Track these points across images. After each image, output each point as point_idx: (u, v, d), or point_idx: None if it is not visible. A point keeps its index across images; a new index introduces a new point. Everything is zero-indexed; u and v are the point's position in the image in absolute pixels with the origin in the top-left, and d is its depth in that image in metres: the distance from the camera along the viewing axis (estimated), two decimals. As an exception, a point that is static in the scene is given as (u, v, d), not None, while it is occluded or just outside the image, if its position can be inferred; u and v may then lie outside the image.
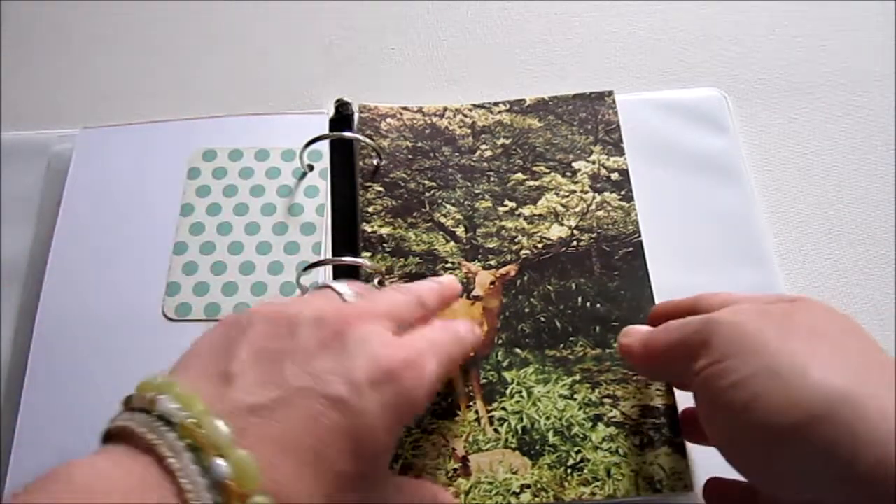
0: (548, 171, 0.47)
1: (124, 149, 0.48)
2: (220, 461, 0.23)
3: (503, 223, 0.46)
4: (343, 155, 0.48)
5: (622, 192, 0.46)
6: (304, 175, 0.47)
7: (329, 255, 0.45)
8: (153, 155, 0.48)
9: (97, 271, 0.44)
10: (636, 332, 0.36)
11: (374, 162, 0.48)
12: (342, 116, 0.50)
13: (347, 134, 0.48)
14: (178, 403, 0.24)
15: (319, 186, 0.47)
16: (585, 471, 0.39)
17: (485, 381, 0.42)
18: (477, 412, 0.41)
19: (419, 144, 0.48)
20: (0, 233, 0.47)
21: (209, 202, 0.46)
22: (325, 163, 0.48)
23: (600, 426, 0.40)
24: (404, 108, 0.50)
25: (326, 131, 0.48)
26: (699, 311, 0.34)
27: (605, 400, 0.40)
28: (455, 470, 0.39)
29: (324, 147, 0.48)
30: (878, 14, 0.56)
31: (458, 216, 0.46)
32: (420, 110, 0.50)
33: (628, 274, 0.44)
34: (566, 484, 0.38)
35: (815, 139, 0.52)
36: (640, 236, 0.45)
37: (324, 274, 0.44)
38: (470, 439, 0.40)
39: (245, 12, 0.58)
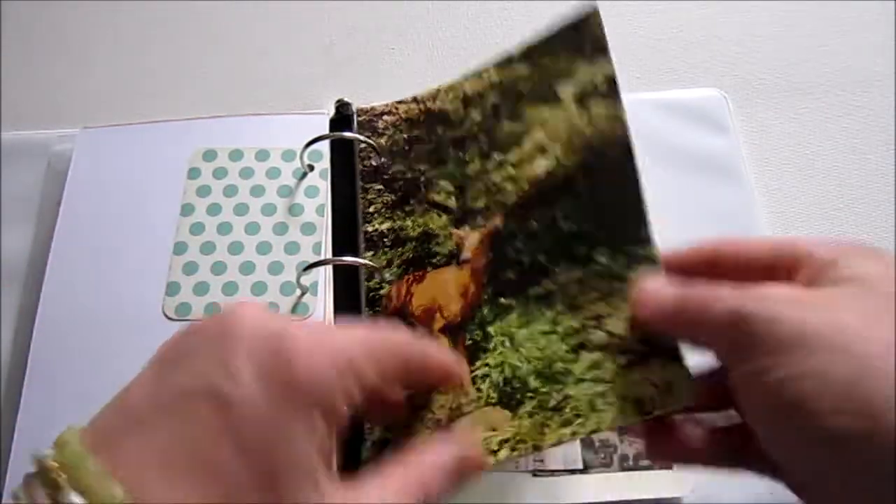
0: (533, 108, 0.43)
1: (124, 149, 0.48)
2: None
3: (492, 178, 0.43)
4: (343, 155, 0.48)
5: (610, 99, 0.40)
6: (304, 175, 0.47)
7: (329, 255, 0.45)
8: (153, 155, 0.48)
9: (97, 271, 0.44)
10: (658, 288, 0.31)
11: (374, 162, 0.48)
12: (342, 116, 0.50)
13: (347, 134, 0.48)
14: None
15: (320, 187, 0.47)
16: (567, 409, 0.34)
17: (470, 342, 0.39)
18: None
19: (415, 133, 0.48)
20: (0, 233, 0.47)
21: (209, 202, 0.46)
22: (325, 163, 0.48)
23: (583, 354, 0.35)
24: (399, 102, 0.50)
25: (326, 131, 0.48)
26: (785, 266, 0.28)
27: (588, 323, 0.36)
28: None
29: (324, 147, 0.48)
30: (878, 14, 0.56)
31: (450, 188, 0.44)
32: (414, 99, 0.49)
33: (615, 178, 0.38)
34: (546, 429, 0.34)
35: (815, 139, 0.52)
36: (629, 136, 0.38)
37: (324, 274, 0.44)
38: (453, 405, 0.37)
39: (245, 12, 0.58)
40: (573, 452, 0.41)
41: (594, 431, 0.33)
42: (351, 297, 0.44)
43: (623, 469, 0.40)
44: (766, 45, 0.55)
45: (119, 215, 0.46)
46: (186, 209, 0.46)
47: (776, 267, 0.29)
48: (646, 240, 0.36)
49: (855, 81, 0.53)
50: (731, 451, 0.31)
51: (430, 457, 0.29)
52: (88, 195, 0.46)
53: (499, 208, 0.42)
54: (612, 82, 0.41)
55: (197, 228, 0.45)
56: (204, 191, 0.46)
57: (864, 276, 0.26)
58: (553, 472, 0.40)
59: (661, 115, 0.50)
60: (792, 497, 0.39)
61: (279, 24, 0.57)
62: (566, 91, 0.42)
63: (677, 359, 0.32)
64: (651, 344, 0.33)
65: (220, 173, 0.47)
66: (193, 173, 0.47)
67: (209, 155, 0.48)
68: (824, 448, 0.23)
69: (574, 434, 0.33)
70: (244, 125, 0.49)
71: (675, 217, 0.47)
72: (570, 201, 0.39)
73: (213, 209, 0.46)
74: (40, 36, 0.57)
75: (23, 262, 0.46)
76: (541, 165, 0.41)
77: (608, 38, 0.54)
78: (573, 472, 0.40)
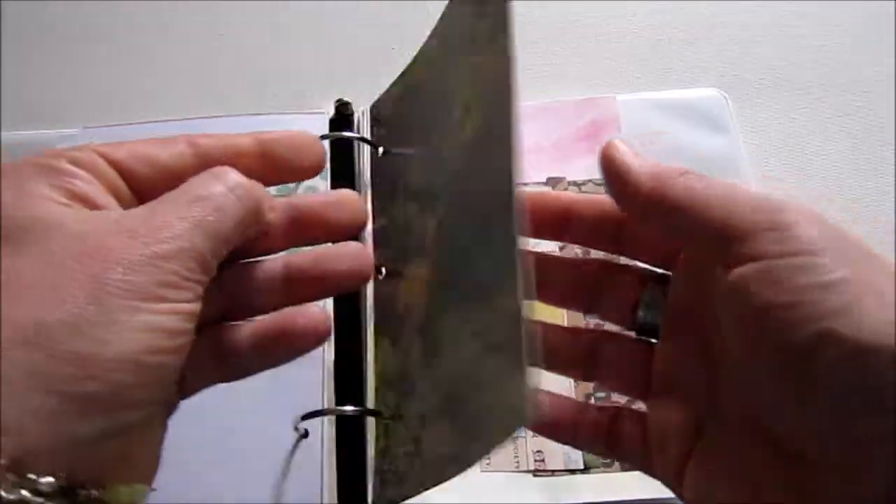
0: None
1: (125, 149, 0.48)
2: None
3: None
4: (343, 155, 0.48)
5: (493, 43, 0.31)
6: (304, 175, 0.47)
7: (330, 256, 0.45)
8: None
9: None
10: (635, 155, 0.26)
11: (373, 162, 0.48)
12: (342, 116, 0.50)
13: (347, 134, 0.48)
14: None
15: (319, 187, 0.47)
16: None
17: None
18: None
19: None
20: (0, 233, 0.47)
21: None
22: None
23: None
24: None
25: (326, 131, 0.48)
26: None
27: None
28: None
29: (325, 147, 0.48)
30: (878, 14, 0.56)
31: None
32: None
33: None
34: None
35: (815, 139, 0.52)
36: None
37: (324, 274, 0.44)
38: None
39: (245, 12, 0.58)
40: (573, 452, 0.41)
41: None
42: (351, 297, 0.44)
43: (623, 469, 0.40)
44: (766, 45, 0.55)
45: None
46: None
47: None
48: None
49: (855, 81, 0.53)
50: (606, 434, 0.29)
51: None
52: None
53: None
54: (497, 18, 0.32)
55: None
56: None
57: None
58: (553, 472, 0.40)
59: (661, 115, 0.50)
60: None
61: (279, 24, 0.57)
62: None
63: None
64: None
65: None
66: None
67: None
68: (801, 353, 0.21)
69: None
70: (244, 125, 0.48)
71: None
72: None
73: None
74: (40, 36, 0.57)
75: (23, 262, 0.46)
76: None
77: (608, 37, 0.53)
78: (573, 472, 0.40)
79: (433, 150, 0.35)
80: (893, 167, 0.50)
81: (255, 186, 0.26)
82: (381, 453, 0.35)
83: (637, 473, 0.40)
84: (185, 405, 0.40)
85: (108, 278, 0.21)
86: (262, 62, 0.55)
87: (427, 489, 0.28)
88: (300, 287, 0.28)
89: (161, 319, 0.22)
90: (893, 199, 0.49)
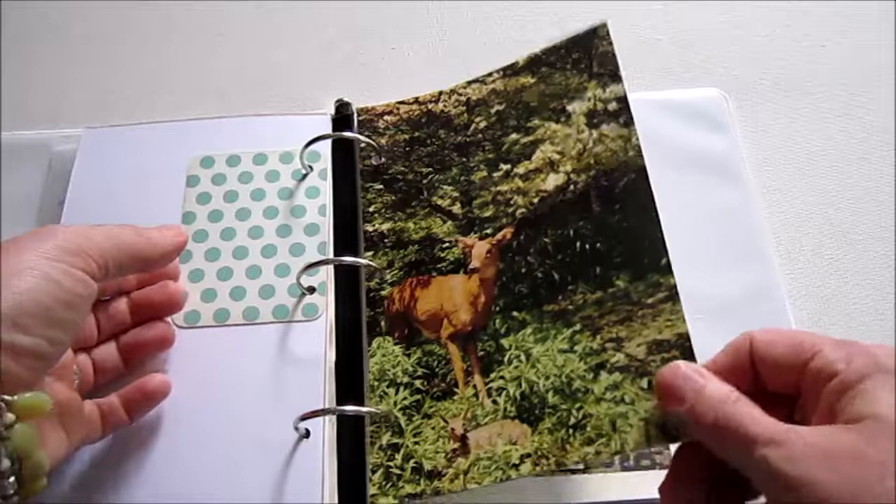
0: (541, 122, 0.44)
1: (127, 149, 0.48)
2: None
3: (498, 188, 0.43)
4: (344, 155, 0.48)
5: (621, 120, 0.41)
6: (304, 176, 0.47)
7: (332, 255, 0.45)
8: (154, 156, 0.48)
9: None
10: (702, 383, 0.30)
11: (374, 161, 0.48)
12: (342, 116, 0.50)
13: (348, 134, 0.48)
14: None
15: (320, 187, 0.47)
16: (588, 428, 0.35)
17: (482, 353, 0.40)
18: (475, 387, 0.39)
19: (416, 134, 0.48)
20: (0, 233, 0.47)
21: (210, 209, 0.46)
22: (323, 163, 0.48)
23: (603, 375, 0.36)
24: (400, 103, 0.50)
25: (326, 132, 0.48)
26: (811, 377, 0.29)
27: (608, 345, 0.37)
28: (454, 450, 0.38)
29: (321, 147, 0.48)
30: (878, 14, 0.56)
31: (455, 194, 0.45)
32: (416, 100, 0.49)
33: (630, 203, 0.39)
34: (568, 446, 0.35)
35: (815, 139, 0.52)
36: (642, 160, 0.40)
37: (326, 274, 0.44)
38: (468, 416, 0.38)
39: (246, 12, 0.58)
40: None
41: (618, 453, 0.34)
42: (351, 296, 0.44)
43: (623, 469, 0.40)
44: (766, 45, 0.55)
45: (123, 216, 0.46)
46: (188, 217, 0.46)
47: (796, 364, 0.30)
48: (665, 269, 0.37)
49: (855, 81, 0.53)
50: None
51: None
52: (92, 195, 0.46)
53: (508, 220, 0.42)
54: (623, 103, 0.42)
55: (200, 236, 0.45)
56: (204, 198, 0.46)
57: (882, 414, 0.27)
58: (553, 472, 0.40)
59: (661, 115, 0.50)
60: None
61: (279, 24, 0.57)
62: (576, 108, 0.43)
63: None
64: None
65: (219, 179, 0.47)
66: (192, 181, 0.47)
67: (207, 162, 0.47)
68: None
69: (598, 454, 0.34)
70: (245, 126, 0.49)
71: (675, 217, 0.47)
72: (585, 221, 0.40)
73: (215, 216, 0.46)
74: (40, 36, 0.57)
75: (24, 262, 0.46)
76: (550, 181, 0.42)
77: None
78: (573, 472, 0.40)
79: (462, 176, 0.44)
80: (893, 167, 0.50)
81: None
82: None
83: (637, 473, 0.41)
84: (186, 405, 0.40)
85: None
86: (262, 62, 0.55)
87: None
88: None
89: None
90: (893, 199, 0.49)
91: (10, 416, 0.30)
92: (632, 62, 0.55)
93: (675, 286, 0.36)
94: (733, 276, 0.45)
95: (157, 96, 0.54)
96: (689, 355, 0.34)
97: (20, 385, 0.30)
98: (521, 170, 0.43)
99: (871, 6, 0.56)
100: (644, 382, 0.35)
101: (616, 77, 0.43)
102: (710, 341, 0.43)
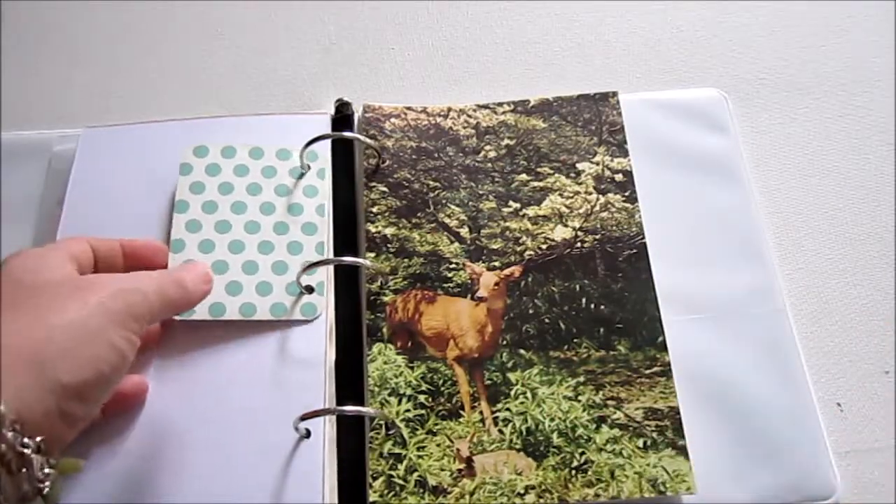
0: (552, 171, 0.47)
1: (127, 148, 0.48)
2: None
3: (507, 224, 0.46)
4: (344, 155, 0.48)
5: (626, 194, 0.47)
6: (302, 175, 0.47)
7: (332, 256, 0.45)
8: (154, 155, 0.48)
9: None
10: None
11: (374, 161, 0.48)
12: (343, 116, 0.50)
13: (348, 134, 0.48)
14: None
15: (318, 187, 0.47)
16: (590, 472, 0.39)
17: (489, 381, 0.42)
18: (481, 413, 0.41)
19: (423, 145, 0.49)
20: (0, 233, 0.47)
21: (204, 199, 0.45)
22: (321, 163, 0.48)
23: (604, 428, 0.40)
24: (408, 108, 0.50)
25: (326, 131, 0.48)
26: None
27: (609, 402, 0.41)
28: (460, 471, 0.39)
29: (320, 147, 0.48)
30: (878, 14, 0.56)
31: (463, 217, 0.46)
32: (424, 110, 0.50)
33: (632, 276, 0.44)
34: (570, 485, 0.39)
35: (815, 139, 0.52)
36: (643, 238, 0.45)
37: (325, 273, 0.44)
38: (475, 440, 0.40)
39: (245, 12, 0.58)
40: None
41: (614, 498, 0.38)
42: (351, 297, 0.44)
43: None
44: (766, 45, 0.55)
45: (122, 216, 0.46)
46: (181, 206, 0.45)
47: None
48: (661, 346, 0.42)
49: (855, 81, 0.53)
50: None
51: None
52: (91, 195, 0.46)
53: (516, 258, 0.45)
54: (629, 177, 0.47)
55: (193, 226, 0.45)
56: (197, 187, 0.46)
57: None
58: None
59: (661, 115, 0.50)
60: (793, 498, 0.40)
61: (279, 24, 0.57)
62: (585, 168, 0.47)
63: (684, 453, 0.39)
64: (664, 434, 0.40)
65: (213, 170, 0.46)
66: (185, 169, 0.46)
67: (200, 151, 0.47)
68: None
69: (597, 496, 0.39)
70: (245, 125, 0.49)
71: (675, 217, 0.47)
72: (591, 281, 0.44)
73: (209, 206, 0.45)
74: (40, 36, 0.57)
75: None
76: (559, 232, 0.46)
77: (608, 37, 0.55)
78: (574, 472, 0.41)
79: (471, 202, 0.47)
80: (893, 167, 0.50)
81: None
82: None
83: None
84: (186, 406, 0.40)
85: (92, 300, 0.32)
86: (263, 62, 0.55)
87: None
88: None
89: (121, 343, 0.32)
90: (893, 199, 0.49)
91: (54, 475, 0.30)
92: (632, 62, 0.55)
93: (669, 363, 0.42)
94: (733, 276, 0.45)
95: (157, 96, 0.54)
96: (678, 426, 0.40)
97: (63, 445, 0.31)
98: (530, 212, 0.47)
99: (871, 6, 0.56)
100: (640, 442, 0.40)
101: (623, 150, 0.48)
102: (710, 341, 0.43)
